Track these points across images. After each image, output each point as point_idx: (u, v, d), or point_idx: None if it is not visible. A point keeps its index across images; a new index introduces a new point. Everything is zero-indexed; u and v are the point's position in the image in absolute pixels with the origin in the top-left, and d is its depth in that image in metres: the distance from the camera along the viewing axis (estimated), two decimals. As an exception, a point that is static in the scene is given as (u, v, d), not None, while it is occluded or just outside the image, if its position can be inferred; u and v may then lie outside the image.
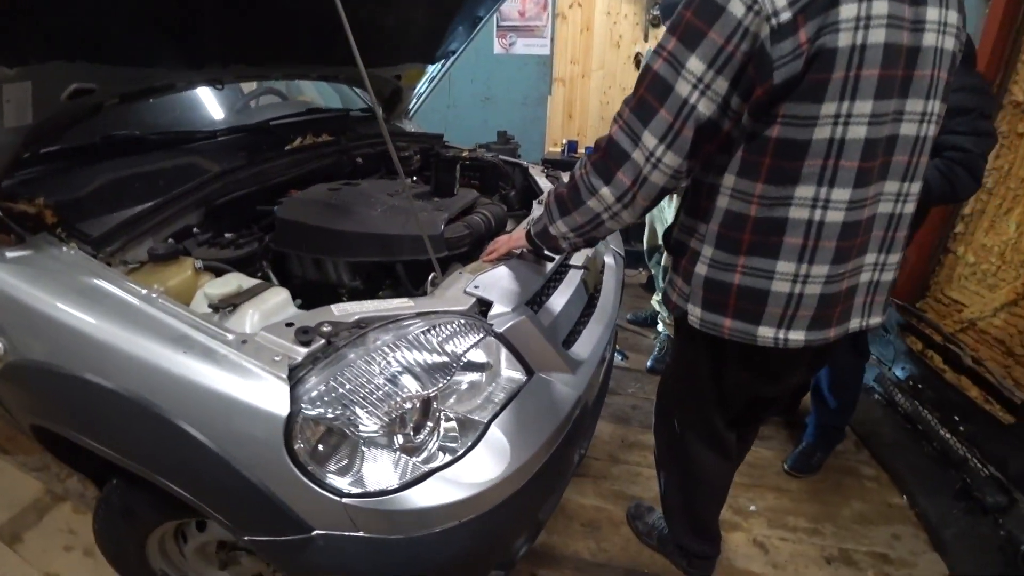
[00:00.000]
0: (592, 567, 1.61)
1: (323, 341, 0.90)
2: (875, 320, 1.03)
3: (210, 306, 0.99)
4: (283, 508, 0.85)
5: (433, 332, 0.98)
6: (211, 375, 0.86)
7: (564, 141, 3.95)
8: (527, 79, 4.02)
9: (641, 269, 3.41)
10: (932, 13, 0.82)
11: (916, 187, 0.94)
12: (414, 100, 2.36)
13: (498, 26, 3.87)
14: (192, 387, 0.86)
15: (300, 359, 0.87)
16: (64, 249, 1.11)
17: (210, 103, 1.92)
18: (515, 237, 1.25)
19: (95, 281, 1.02)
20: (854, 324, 1.01)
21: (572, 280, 1.42)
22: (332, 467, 0.86)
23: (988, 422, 1.85)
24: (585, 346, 1.35)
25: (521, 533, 1.09)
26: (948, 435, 1.94)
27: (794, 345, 0.96)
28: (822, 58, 0.77)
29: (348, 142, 1.80)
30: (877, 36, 0.77)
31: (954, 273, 2.29)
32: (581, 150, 3.84)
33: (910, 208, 0.96)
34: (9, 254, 1.10)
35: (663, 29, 1.07)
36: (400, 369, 0.91)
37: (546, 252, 1.21)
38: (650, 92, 0.85)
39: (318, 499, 0.83)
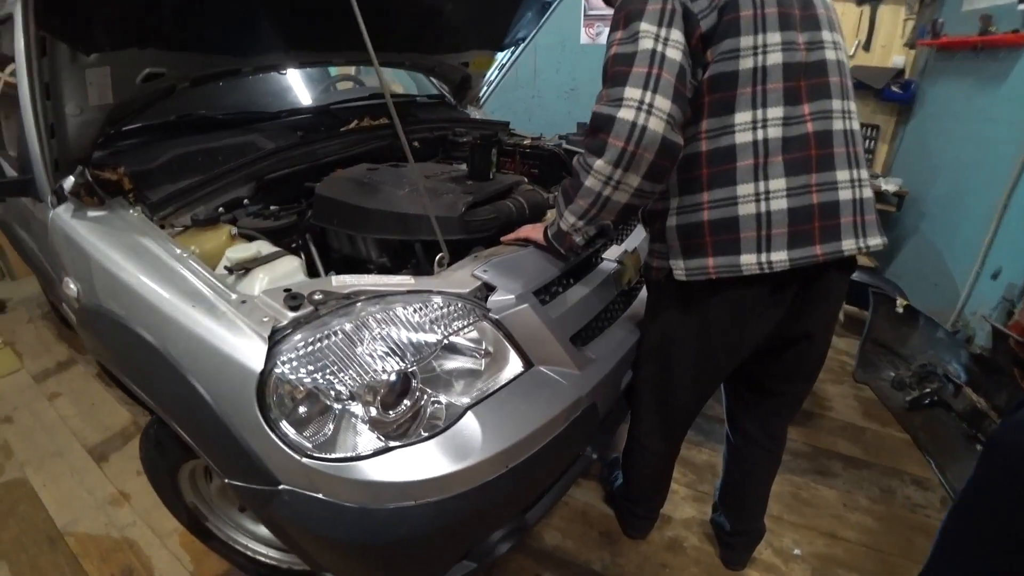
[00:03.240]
0: (600, 581, 1.53)
1: (311, 308, 0.93)
2: (872, 241, 1.03)
3: (225, 268, 1.07)
4: (254, 459, 0.90)
5: (421, 310, 0.98)
6: (210, 329, 0.93)
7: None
8: (615, 72, 3.94)
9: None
10: None
11: (852, 105, 1.04)
12: (484, 87, 2.38)
13: (585, 15, 3.79)
14: (195, 339, 0.94)
15: (285, 322, 0.91)
16: (130, 211, 1.26)
17: (288, 87, 2.06)
18: (537, 228, 1.23)
19: (143, 240, 1.15)
20: (848, 245, 1.00)
21: (599, 275, 1.36)
22: (302, 428, 0.88)
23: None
24: (603, 345, 1.28)
25: (495, 528, 1.06)
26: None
27: (779, 267, 0.97)
28: (730, 4, 0.93)
29: (406, 127, 1.85)
30: None
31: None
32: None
33: (856, 125, 1.04)
34: (91, 214, 1.27)
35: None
36: (379, 341, 0.92)
37: (563, 252, 1.18)
38: (618, 64, 0.92)
39: (282, 455, 0.87)
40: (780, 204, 0.96)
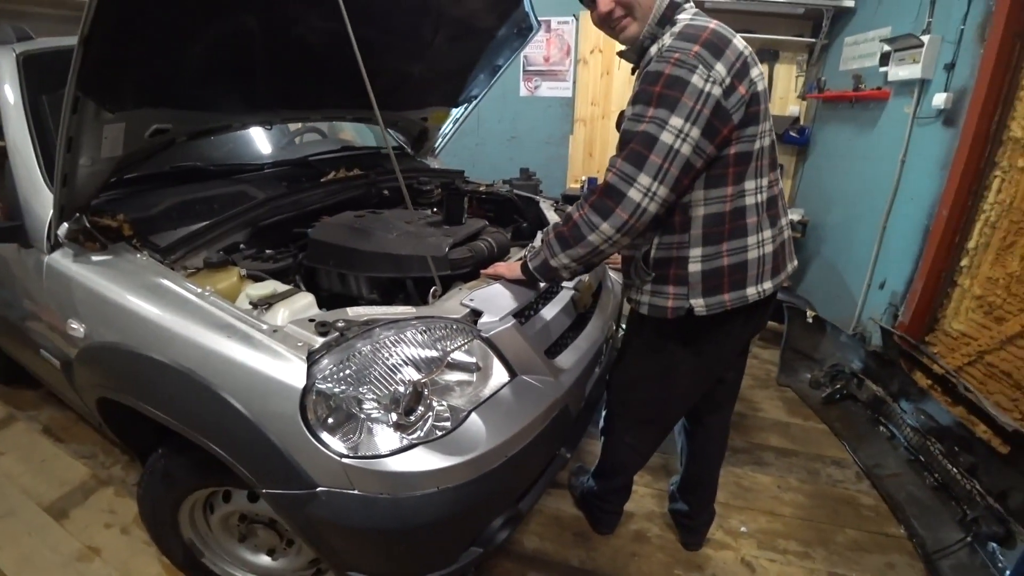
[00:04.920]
0: (580, 573, 1.71)
1: (337, 333, 1.10)
2: (791, 266, 1.40)
3: (250, 303, 1.21)
4: (295, 466, 1.03)
5: (428, 332, 1.17)
6: (248, 355, 1.07)
7: (584, 178, 4.17)
8: (551, 119, 4.29)
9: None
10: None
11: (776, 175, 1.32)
12: (440, 139, 2.62)
13: (524, 70, 4.18)
14: (232, 364, 1.08)
15: (317, 345, 1.07)
16: (138, 256, 1.37)
17: (261, 140, 2.22)
18: (512, 267, 1.43)
19: (162, 281, 1.27)
20: (790, 267, 1.38)
21: (563, 298, 1.59)
22: (336, 434, 1.04)
23: (988, 453, 1.87)
24: (569, 357, 1.50)
25: (497, 514, 1.23)
26: (951, 467, 1.96)
27: (767, 292, 1.30)
28: (755, 98, 1.15)
29: (376, 176, 2.05)
30: (764, 83, 1.19)
31: (961, 306, 2.32)
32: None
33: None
34: (94, 258, 1.37)
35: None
36: (398, 358, 1.10)
37: (541, 284, 1.44)
38: (640, 145, 1.09)
39: (323, 459, 1.01)
40: (768, 248, 1.28)
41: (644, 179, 1.09)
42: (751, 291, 1.27)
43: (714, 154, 1.14)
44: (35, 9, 3.54)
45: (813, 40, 3.53)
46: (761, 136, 1.20)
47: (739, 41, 1.15)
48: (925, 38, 2.38)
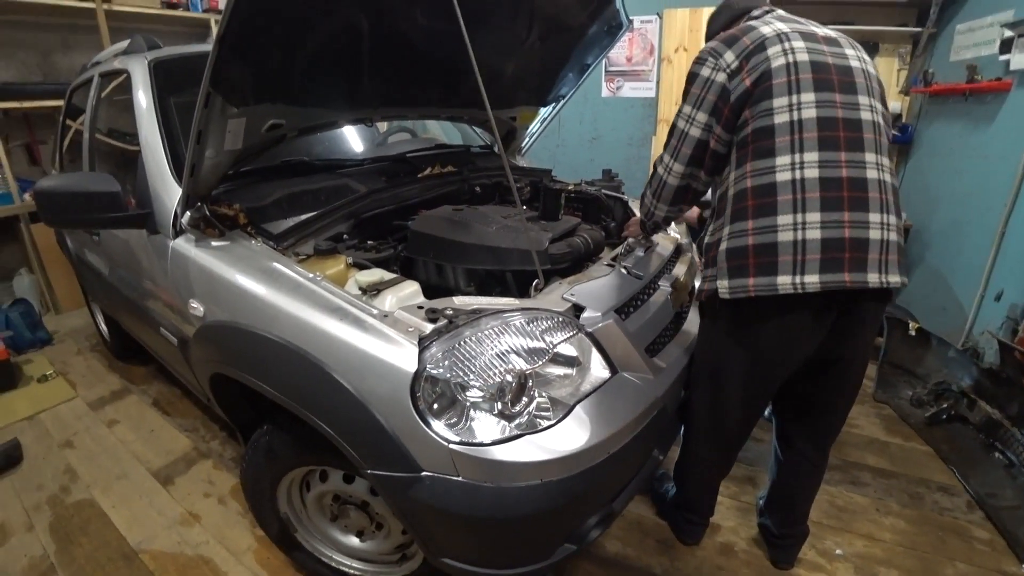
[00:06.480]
0: (662, 581, 1.66)
1: (446, 320, 1.12)
2: (893, 278, 1.17)
3: (360, 288, 1.26)
4: (402, 448, 1.05)
5: (533, 323, 1.17)
6: (359, 338, 1.11)
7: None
8: (632, 120, 4.22)
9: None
10: (849, 52, 1.23)
11: (885, 158, 1.20)
12: (527, 139, 2.63)
13: (606, 71, 4.14)
14: (343, 345, 1.12)
15: (427, 331, 1.09)
16: (253, 242, 1.45)
17: (359, 138, 2.32)
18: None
19: (276, 265, 1.34)
20: (873, 278, 1.15)
21: (660, 297, 1.55)
22: (444, 420, 1.05)
23: None
24: (668, 356, 1.46)
25: (593, 512, 1.21)
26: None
27: (811, 288, 1.12)
28: (763, 78, 1.16)
29: (469, 173, 2.09)
30: (802, 56, 1.17)
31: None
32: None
33: (888, 177, 1.20)
34: (214, 243, 1.47)
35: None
36: (504, 348, 1.10)
37: (634, 270, 1.48)
38: (669, 132, 1.34)
39: (430, 443, 1.03)
40: (815, 234, 1.12)
41: (665, 157, 1.34)
42: (783, 280, 1.13)
43: (725, 135, 1.22)
44: (156, 27, 3.97)
45: (919, 29, 3.28)
46: (792, 108, 1.14)
47: (774, 27, 1.20)
48: (1057, 20, 2.16)
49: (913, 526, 1.88)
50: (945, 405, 2.40)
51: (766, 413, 1.62)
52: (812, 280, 1.12)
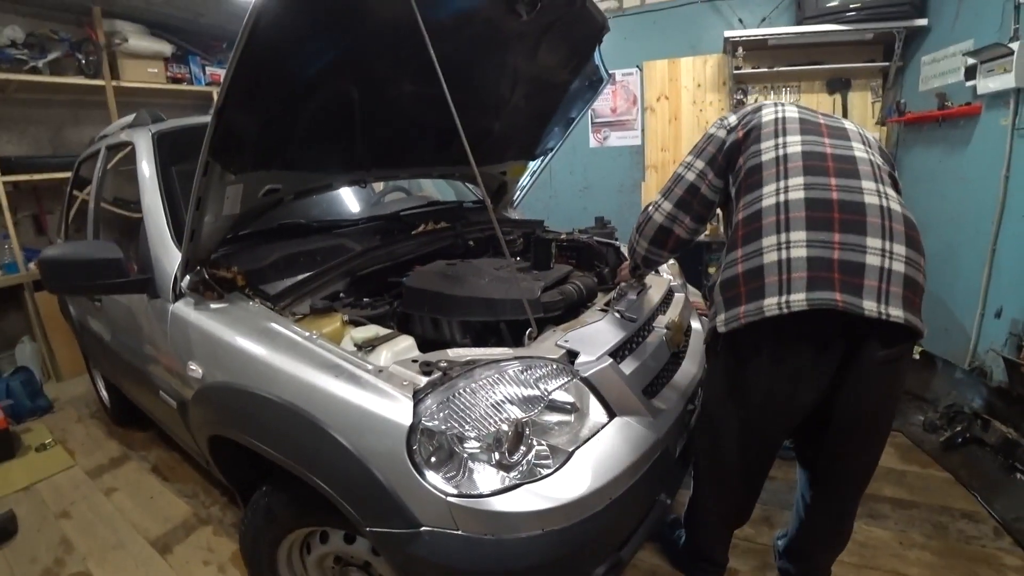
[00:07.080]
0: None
1: (440, 373, 1.13)
2: (895, 312, 1.05)
3: (355, 345, 1.28)
4: (400, 503, 1.04)
5: (527, 371, 1.18)
6: (355, 394, 1.12)
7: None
8: (621, 168, 4.35)
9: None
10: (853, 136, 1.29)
11: (891, 189, 1.18)
12: (518, 192, 2.72)
13: (592, 123, 4.31)
14: (339, 402, 1.12)
15: (422, 384, 1.10)
16: (250, 303, 1.48)
17: (354, 198, 2.39)
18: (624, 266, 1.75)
19: (272, 325, 1.37)
20: (869, 305, 1.04)
21: (655, 338, 1.56)
22: (442, 473, 1.04)
23: None
24: (667, 397, 1.46)
25: (600, 561, 1.17)
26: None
27: (796, 306, 1.05)
28: (753, 130, 1.30)
29: (462, 228, 2.14)
30: (792, 113, 1.31)
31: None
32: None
33: (896, 206, 1.15)
34: (212, 306, 1.51)
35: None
36: (499, 397, 1.11)
37: (627, 314, 1.50)
38: (669, 179, 1.45)
39: (427, 497, 1.02)
40: (799, 252, 1.08)
41: (658, 196, 1.45)
42: (769, 302, 1.07)
43: (717, 180, 1.36)
44: (162, 101, 4.18)
45: (886, 64, 3.43)
46: (778, 147, 1.24)
47: (775, 109, 1.33)
48: (1014, 45, 2.28)
49: (940, 558, 1.81)
50: (959, 428, 2.36)
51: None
52: (798, 298, 1.05)
